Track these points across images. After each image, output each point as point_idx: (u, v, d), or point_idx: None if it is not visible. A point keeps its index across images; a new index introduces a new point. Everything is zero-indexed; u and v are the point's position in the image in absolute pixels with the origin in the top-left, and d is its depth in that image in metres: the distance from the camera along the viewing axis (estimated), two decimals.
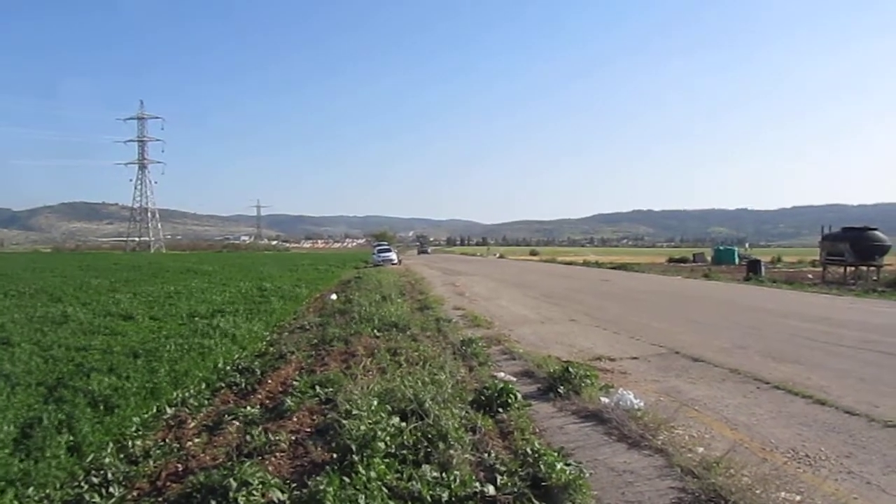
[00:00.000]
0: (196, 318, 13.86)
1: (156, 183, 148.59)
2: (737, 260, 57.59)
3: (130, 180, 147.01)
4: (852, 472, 5.07)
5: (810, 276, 35.84)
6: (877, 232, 32.17)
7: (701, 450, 5.44)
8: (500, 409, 6.61)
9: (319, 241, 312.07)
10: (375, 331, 11.78)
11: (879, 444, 5.76)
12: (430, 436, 5.38)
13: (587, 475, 4.72)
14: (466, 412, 6.30)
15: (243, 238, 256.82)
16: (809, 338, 11.85)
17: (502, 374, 8.44)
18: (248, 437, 5.77)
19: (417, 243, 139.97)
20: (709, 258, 64.32)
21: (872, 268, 31.53)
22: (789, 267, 51.77)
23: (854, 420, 6.51)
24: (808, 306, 18.21)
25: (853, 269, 32.52)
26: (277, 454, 5.41)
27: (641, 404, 6.59)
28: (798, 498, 4.40)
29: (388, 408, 6.06)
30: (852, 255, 31.60)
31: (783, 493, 4.45)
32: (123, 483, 4.96)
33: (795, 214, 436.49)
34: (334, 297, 19.99)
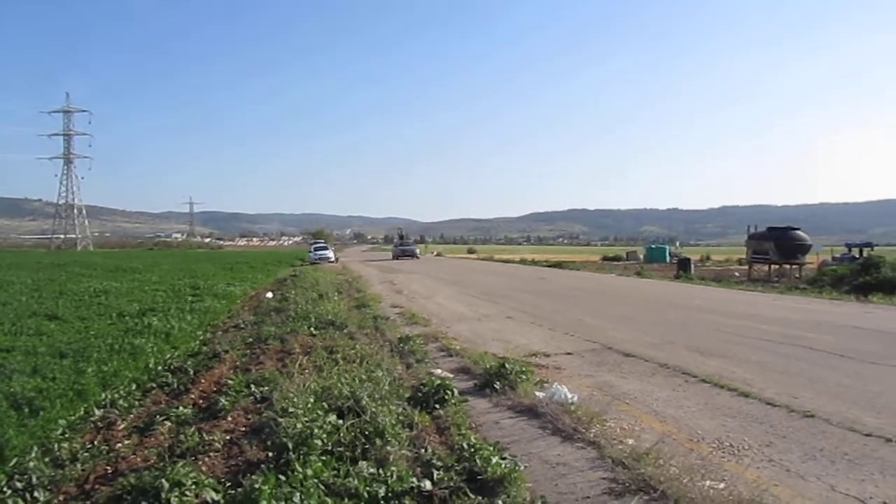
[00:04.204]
0: (126, 318, 13.50)
1: (82, 178, 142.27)
2: (668, 258, 59.34)
3: (55, 175, 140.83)
4: (773, 460, 5.29)
5: (737, 273, 37.18)
6: (799, 232, 33.65)
7: (631, 441, 5.59)
8: (437, 406, 6.66)
9: (255, 239, 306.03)
10: (312, 329, 11.68)
11: (798, 433, 6.02)
12: (367, 433, 5.38)
13: (522, 468, 4.81)
14: (403, 409, 6.33)
15: (175, 235, 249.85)
16: (735, 333, 12.28)
17: (439, 371, 8.48)
18: (180, 438, 5.66)
19: (395, 240, 77.23)
20: (641, 256, 66.11)
21: (795, 266, 32.90)
22: (717, 265, 53.68)
23: (775, 411, 6.78)
24: (735, 303, 18.85)
25: (777, 267, 33.88)
26: (211, 454, 5.32)
27: (575, 398, 6.72)
28: (722, 485, 4.57)
29: (325, 405, 6.02)
30: (776, 253, 32.94)
31: (708, 482, 4.61)
32: (49, 487, 4.79)
33: (724, 214, 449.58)
34: (270, 295, 19.78)
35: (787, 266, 33.42)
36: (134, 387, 7.99)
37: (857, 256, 34.08)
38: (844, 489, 4.67)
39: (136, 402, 7.36)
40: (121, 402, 7.25)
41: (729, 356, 9.89)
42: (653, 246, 76.27)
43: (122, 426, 6.46)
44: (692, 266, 37.08)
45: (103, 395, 7.38)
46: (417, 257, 65.48)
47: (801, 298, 20.81)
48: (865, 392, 7.62)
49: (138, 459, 5.30)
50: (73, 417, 6.57)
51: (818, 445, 5.65)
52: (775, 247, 32.97)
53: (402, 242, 70.84)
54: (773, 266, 34.12)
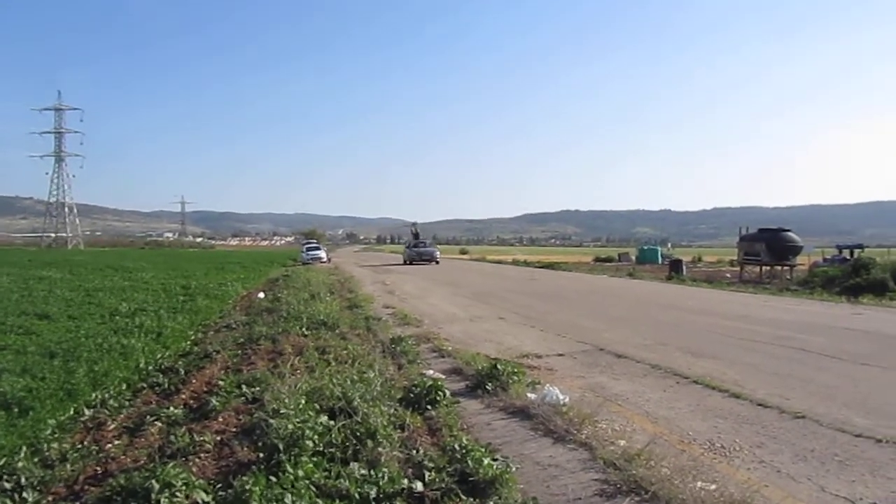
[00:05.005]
0: (117, 317, 13.45)
1: (74, 177, 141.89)
2: (660, 259, 59.63)
3: (46, 173, 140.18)
4: (764, 461, 5.30)
5: (728, 275, 37.31)
6: (790, 233, 33.83)
7: (623, 443, 5.59)
8: (429, 407, 6.64)
9: (247, 239, 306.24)
10: (304, 329, 11.63)
11: (789, 434, 6.04)
12: (358, 434, 5.36)
13: (514, 469, 4.80)
14: (395, 410, 6.31)
15: (167, 235, 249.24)
16: (727, 334, 12.31)
17: (431, 372, 8.46)
18: (171, 438, 5.61)
19: (411, 238, 65.15)
20: (633, 258, 66.25)
21: (786, 267, 33.04)
22: (709, 266, 53.86)
23: (766, 412, 6.81)
24: (726, 304, 18.90)
25: (769, 268, 34.02)
26: (202, 455, 5.28)
27: (567, 400, 6.72)
28: (713, 487, 4.57)
29: (317, 406, 6.00)
30: (768, 255, 33.08)
31: (699, 483, 4.61)
32: (38, 488, 4.75)
33: (716, 216, 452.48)
34: (262, 295, 19.70)
35: (779, 267, 33.57)
36: (124, 387, 7.93)
37: (848, 258, 34.26)
38: (835, 490, 4.68)
39: (127, 403, 7.30)
40: (111, 402, 7.20)
41: (720, 357, 9.92)
42: (645, 247, 76.52)
43: (112, 426, 6.42)
44: (684, 267, 37.24)
45: (94, 395, 7.33)
46: (437, 262, 49.85)
47: (793, 300, 20.89)
48: (856, 393, 7.66)
49: (128, 460, 5.27)
50: (62, 417, 6.52)
51: (809, 446, 5.67)
52: (767, 248, 33.11)
53: (418, 243, 56.45)
54: (764, 267, 34.27)
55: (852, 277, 24.44)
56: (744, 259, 36.23)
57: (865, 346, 10.97)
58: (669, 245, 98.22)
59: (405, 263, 50.45)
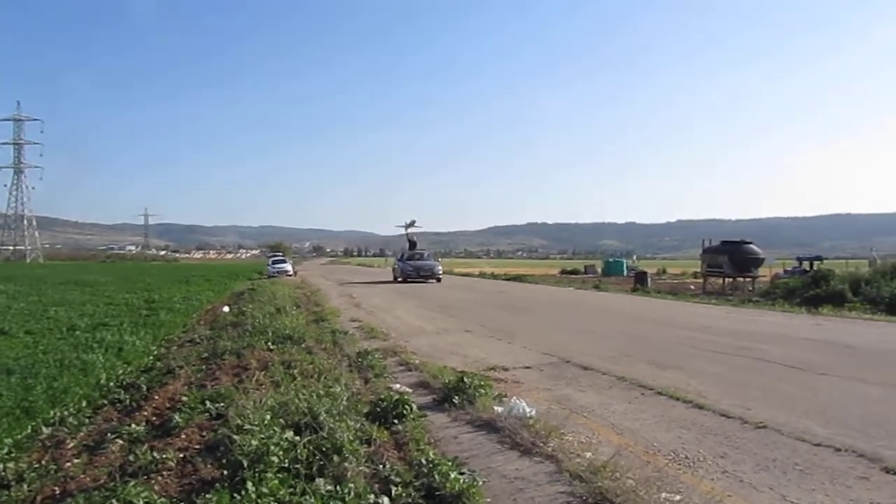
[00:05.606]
0: (77, 332, 13.20)
1: (33, 188, 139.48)
2: (625, 272, 60.30)
3: (4, 185, 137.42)
4: (727, 471, 5.36)
5: (692, 286, 37.81)
6: (752, 245, 34.51)
7: (589, 455, 5.62)
8: (396, 421, 6.61)
9: (212, 252, 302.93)
10: (269, 343, 11.51)
11: (751, 444, 6.12)
12: (324, 449, 5.31)
13: (480, 483, 4.81)
14: (362, 424, 6.26)
15: (129, 248, 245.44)
16: (690, 346, 12.46)
17: (398, 386, 8.44)
18: (132, 456, 5.51)
19: (406, 248, 48.15)
20: (599, 270, 66.91)
21: (748, 279, 33.62)
22: (673, 278, 54.63)
23: (729, 422, 6.89)
24: (690, 316, 19.15)
25: (731, 280, 34.58)
26: (164, 473, 5.19)
27: (533, 412, 6.74)
28: (678, 497, 4.62)
29: (282, 422, 5.93)
30: (730, 267, 33.66)
31: (664, 494, 4.66)
32: None
33: (679, 228, 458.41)
34: (227, 309, 19.49)
35: (741, 279, 34.16)
36: (84, 404, 7.80)
37: (808, 269, 34.94)
38: (796, 498, 4.75)
39: (87, 420, 7.17)
40: (70, 419, 7.07)
41: (684, 368, 10.02)
42: (610, 259, 77.44)
43: (71, 445, 6.29)
44: (649, 279, 37.77)
45: (52, 413, 7.20)
46: (439, 279, 39.36)
47: (755, 311, 21.20)
48: (815, 403, 7.79)
49: (88, 479, 5.17)
50: (19, 436, 6.41)
51: (770, 456, 5.75)
52: (729, 260, 33.70)
53: (414, 254, 44.20)
54: (727, 279, 34.83)
55: (812, 289, 24.91)
56: (707, 271, 36.81)
57: (825, 356, 11.17)
58: (635, 257, 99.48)
59: (396, 280, 40.02)
